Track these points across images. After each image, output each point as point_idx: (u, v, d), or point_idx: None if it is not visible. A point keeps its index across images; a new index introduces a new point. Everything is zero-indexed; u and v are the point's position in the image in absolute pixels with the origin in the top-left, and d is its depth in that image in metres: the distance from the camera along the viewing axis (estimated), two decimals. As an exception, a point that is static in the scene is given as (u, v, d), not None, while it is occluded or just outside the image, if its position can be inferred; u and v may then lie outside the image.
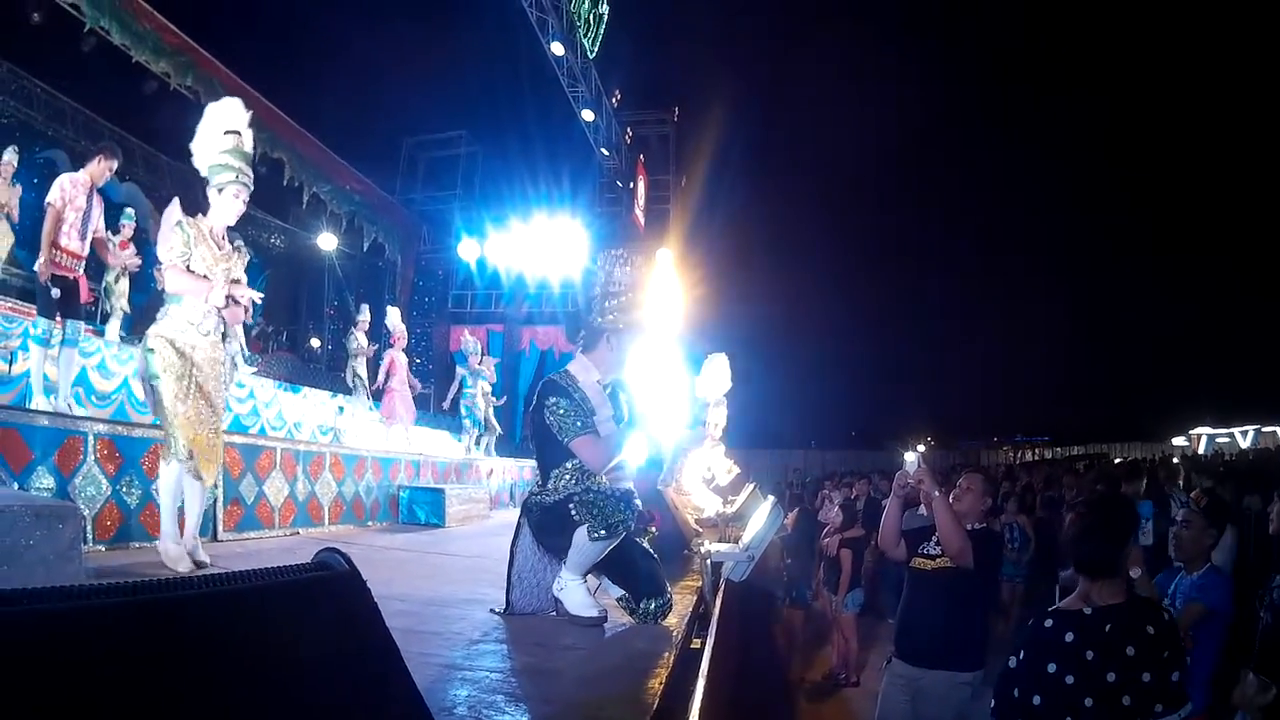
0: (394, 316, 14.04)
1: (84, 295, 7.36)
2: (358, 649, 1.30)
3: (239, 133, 5.01)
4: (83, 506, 5.26)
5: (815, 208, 68.62)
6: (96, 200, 7.19)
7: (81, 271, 7.21)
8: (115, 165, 7.20)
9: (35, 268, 7.01)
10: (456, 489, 10.44)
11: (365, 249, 22.26)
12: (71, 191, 6.92)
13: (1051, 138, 63.05)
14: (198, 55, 14.40)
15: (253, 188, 5.12)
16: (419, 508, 9.80)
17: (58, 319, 7.12)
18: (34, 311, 7.73)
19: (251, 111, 5.11)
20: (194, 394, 4.87)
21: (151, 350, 4.82)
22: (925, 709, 4.70)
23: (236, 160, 4.96)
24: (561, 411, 4.11)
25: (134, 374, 10.37)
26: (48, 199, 6.90)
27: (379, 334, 15.08)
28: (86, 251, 7.22)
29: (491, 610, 4.31)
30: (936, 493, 4.60)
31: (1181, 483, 11.87)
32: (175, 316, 4.89)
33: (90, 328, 8.86)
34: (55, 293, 6.93)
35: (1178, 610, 4.07)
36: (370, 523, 9.26)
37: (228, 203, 5.03)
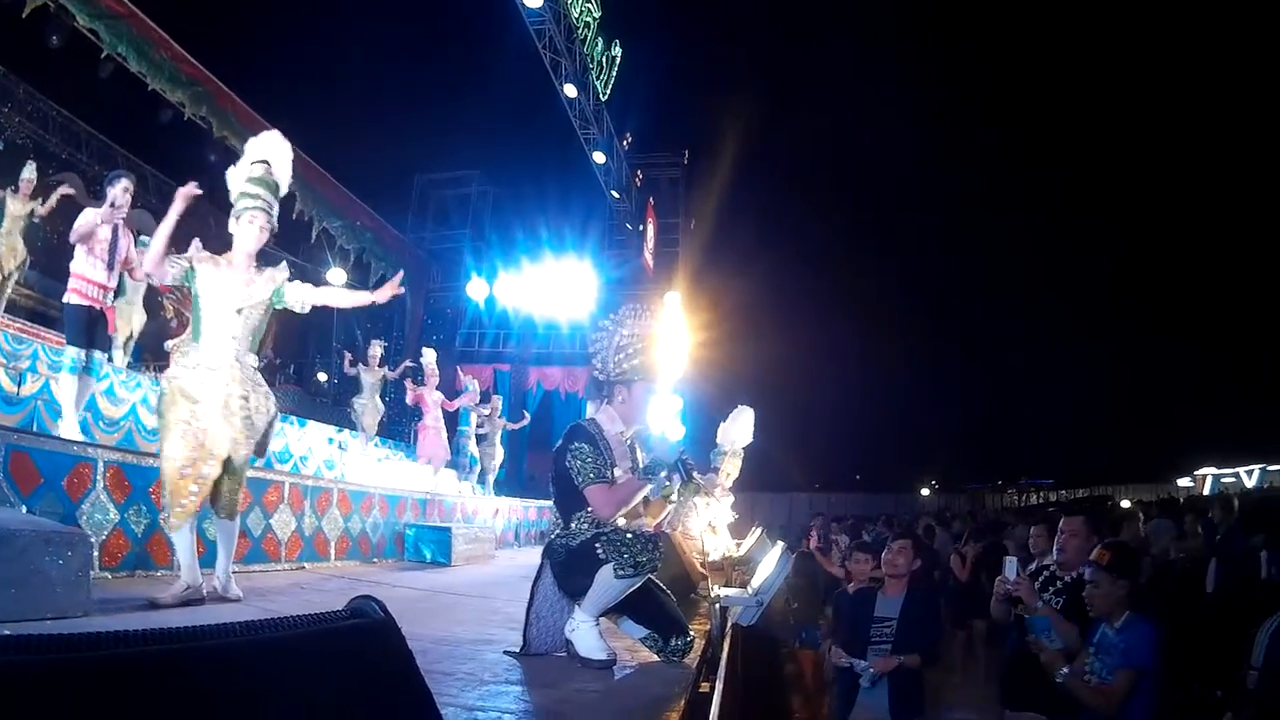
0: (429, 357, 14.17)
1: (111, 326, 7.38)
2: (393, 701, 1.29)
3: (268, 162, 5.06)
4: (90, 533, 5.25)
5: (822, 252, 68.65)
6: (124, 230, 7.21)
7: (110, 302, 7.25)
8: (130, 185, 7.22)
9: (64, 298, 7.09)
10: (463, 528, 10.43)
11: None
12: (94, 224, 6.97)
13: (1055, 181, 63.28)
14: (214, 87, 14.56)
15: (274, 216, 5.16)
16: (425, 546, 9.77)
17: (85, 350, 7.15)
18: (41, 333, 7.73)
19: (289, 145, 5.17)
20: (190, 438, 4.87)
21: (163, 391, 4.88)
22: None
23: (257, 187, 5.01)
24: (582, 456, 4.13)
25: (142, 401, 10.41)
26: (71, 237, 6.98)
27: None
28: (114, 283, 7.25)
29: (505, 651, 4.31)
30: (1039, 604, 4.71)
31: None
32: (190, 355, 4.92)
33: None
34: None
35: (1105, 668, 4.05)
36: (376, 560, 9.25)
37: (244, 229, 5.08)
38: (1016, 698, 4.90)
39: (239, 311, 5.04)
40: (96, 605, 4.34)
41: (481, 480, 15.69)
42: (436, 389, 14.02)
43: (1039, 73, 60.17)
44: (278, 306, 5.29)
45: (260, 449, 5.20)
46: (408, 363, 15.13)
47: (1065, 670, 4.10)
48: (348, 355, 14.77)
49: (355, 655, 1.26)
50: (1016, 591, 4.75)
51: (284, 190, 5.26)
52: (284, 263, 5.49)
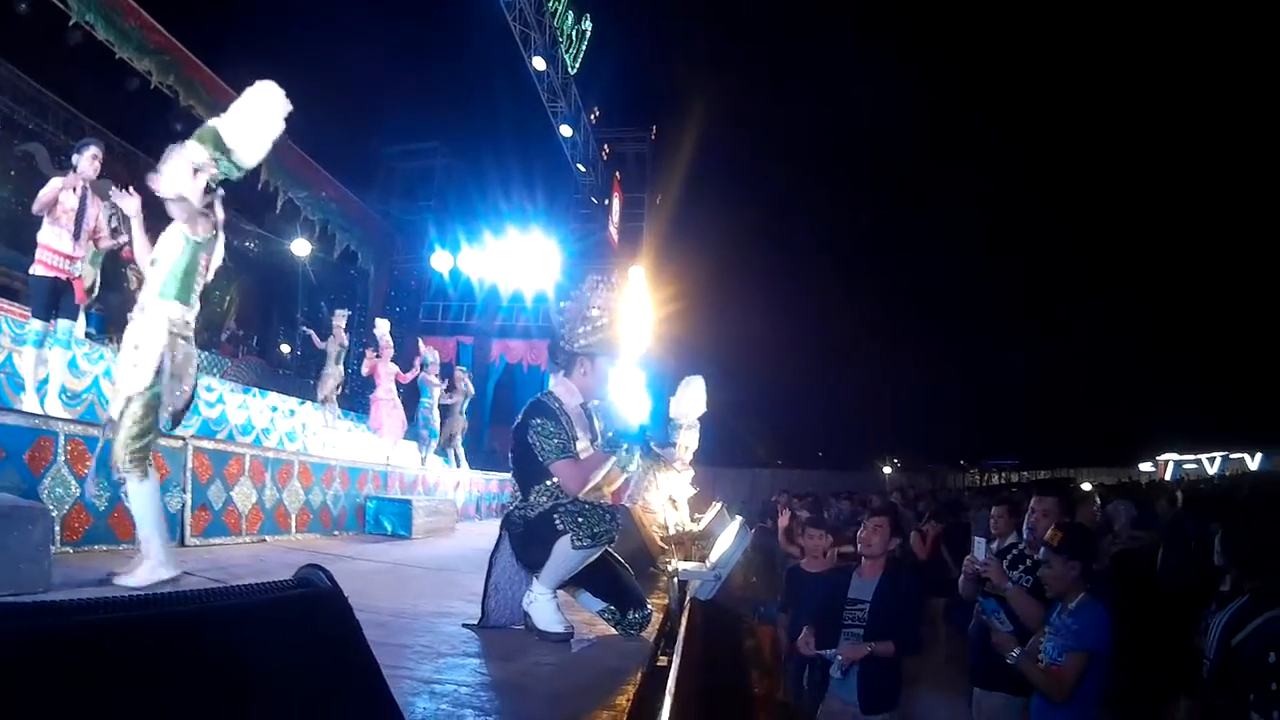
0: (382, 327, 14.05)
1: (79, 296, 7.31)
2: (340, 669, 1.30)
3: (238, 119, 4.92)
4: (51, 507, 5.22)
5: (787, 229, 68.91)
6: (93, 199, 7.14)
7: (78, 272, 7.18)
8: (98, 152, 7.14)
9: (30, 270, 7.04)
10: (424, 500, 10.42)
11: (336, 256, 22.15)
12: (60, 193, 6.90)
13: (1024, 159, 63.64)
14: (181, 55, 14.39)
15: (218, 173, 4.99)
16: (386, 518, 9.77)
17: (51, 322, 7.10)
18: (4, 305, 7.64)
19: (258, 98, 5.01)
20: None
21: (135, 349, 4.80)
22: None
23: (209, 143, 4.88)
24: (544, 433, 4.14)
25: (105, 374, 10.31)
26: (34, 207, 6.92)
27: (357, 344, 15.06)
28: (81, 252, 7.18)
29: (464, 624, 4.34)
30: (1008, 585, 4.68)
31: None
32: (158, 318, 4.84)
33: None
34: None
35: (1055, 649, 4.07)
36: (337, 532, 9.22)
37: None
38: (986, 677, 4.87)
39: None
40: (58, 580, 4.33)
41: (443, 452, 15.66)
42: (392, 360, 13.96)
43: (1004, 44, 60.44)
44: None
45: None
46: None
47: (1016, 652, 4.12)
48: (313, 334, 14.65)
49: (302, 623, 1.29)
50: (986, 572, 4.75)
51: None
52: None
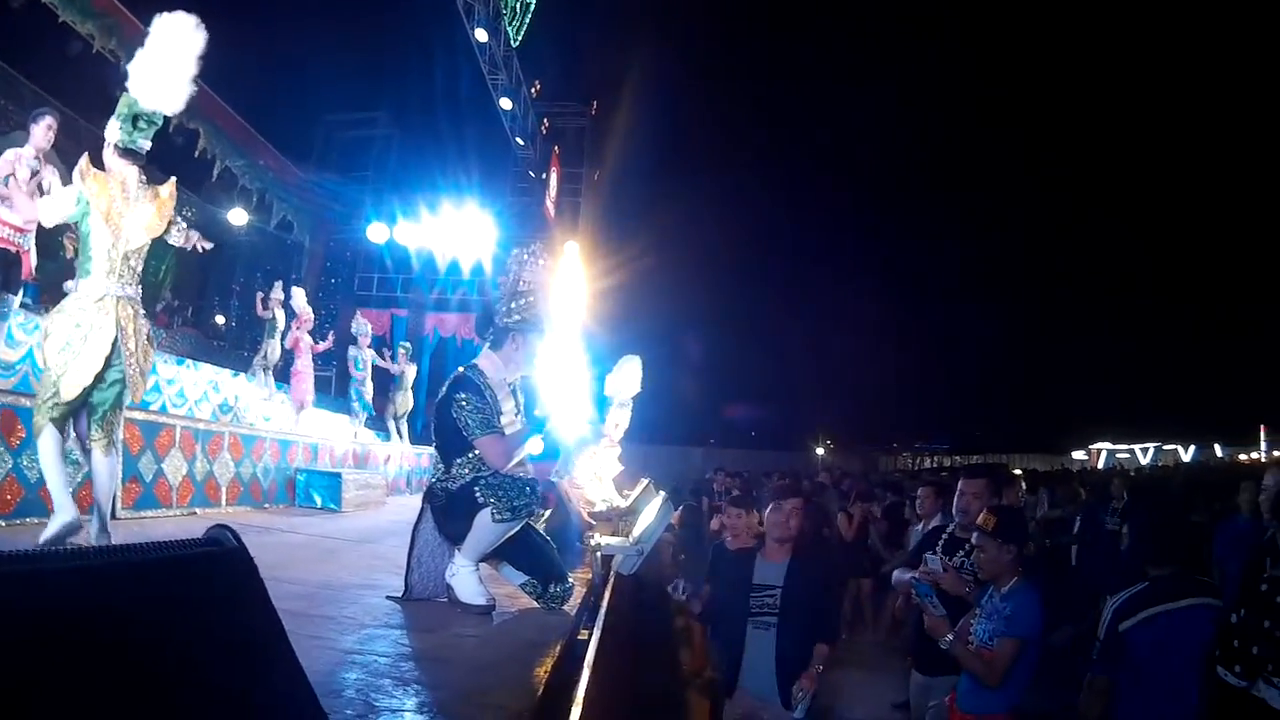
0: (299, 298, 13.83)
1: (25, 270, 7.17)
2: (243, 622, 1.35)
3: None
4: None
5: (724, 208, 69.03)
6: (48, 170, 7.00)
7: (27, 246, 7.04)
8: (53, 122, 7.00)
9: None
10: (354, 474, 10.39)
11: (273, 226, 21.82)
12: (14, 164, 6.77)
13: (967, 154, 64.27)
14: (123, 17, 14.04)
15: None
16: (316, 491, 9.74)
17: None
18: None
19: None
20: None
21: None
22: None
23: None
24: (469, 408, 4.17)
25: (38, 345, 10.13)
26: None
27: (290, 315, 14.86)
28: (32, 227, 7.05)
29: (388, 597, 4.37)
30: (966, 590, 4.54)
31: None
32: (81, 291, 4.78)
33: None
34: None
35: (986, 633, 4.06)
36: (267, 505, 9.19)
37: None
38: (929, 663, 4.80)
39: None
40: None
41: (380, 425, 15.60)
42: (309, 332, 13.81)
43: (945, 15, 60.89)
44: None
45: None
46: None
47: (950, 637, 4.11)
48: (260, 296, 14.42)
49: (208, 579, 1.33)
50: (943, 582, 4.56)
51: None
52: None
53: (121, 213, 4.72)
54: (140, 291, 4.92)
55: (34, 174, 6.91)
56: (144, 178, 4.88)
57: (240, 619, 1.34)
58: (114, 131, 4.74)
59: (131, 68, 4.66)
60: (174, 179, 5.10)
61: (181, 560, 1.31)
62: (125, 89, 4.70)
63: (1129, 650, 3.63)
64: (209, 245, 5.42)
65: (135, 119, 4.74)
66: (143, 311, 4.92)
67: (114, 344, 4.68)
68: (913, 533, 5.04)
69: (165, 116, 4.87)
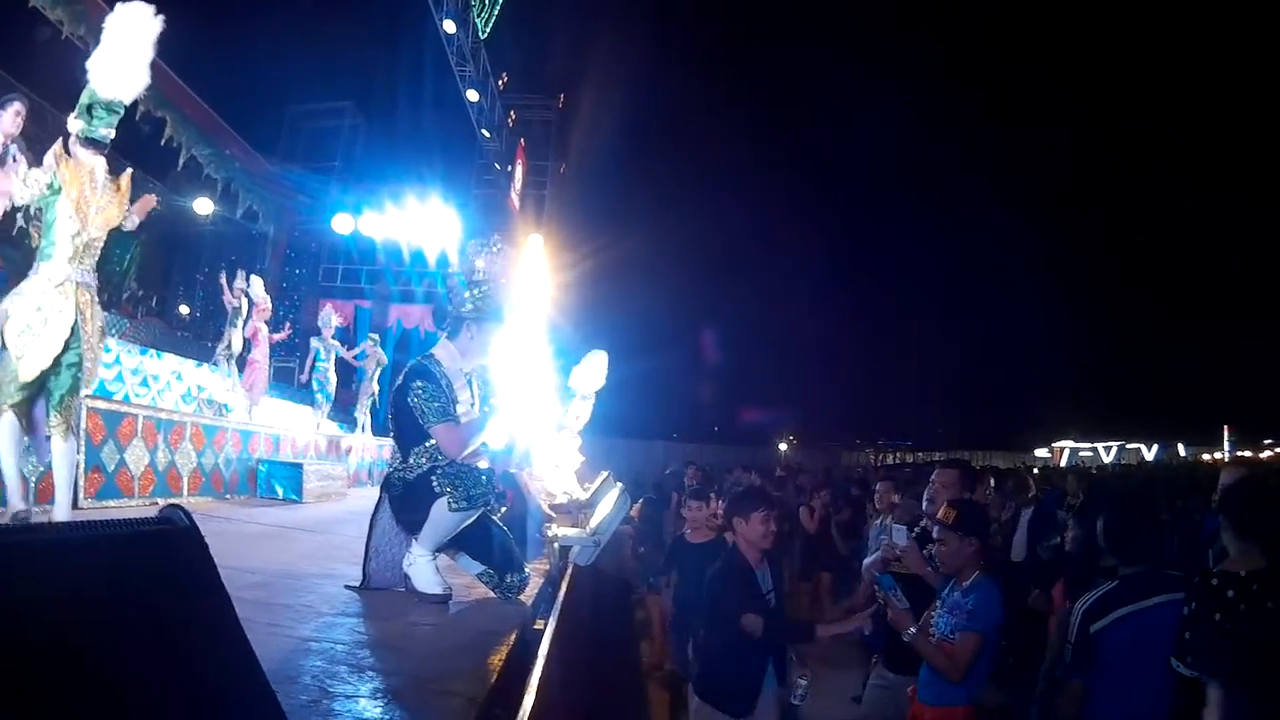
0: (258, 286, 13.72)
1: None
2: (193, 599, 1.38)
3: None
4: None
5: (691, 203, 69.12)
6: (19, 156, 6.93)
7: None
8: (22, 108, 6.94)
9: None
10: (315, 465, 10.39)
11: (239, 216, 21.63)
12: None
13: (930, 150, 64.67)
14: (91, 4, 13.89)
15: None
16: (277, 482, 9.71)
17: None
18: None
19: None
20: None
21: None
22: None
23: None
24: (425, 396, 4.20)
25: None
26: None
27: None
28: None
29: (346, 586, 4.39)
30: (927, 570, 4.60)
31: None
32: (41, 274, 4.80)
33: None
34: None
35: (946, 626, 4.08)
36: (229, 496, 9.16)
37: None
38: (900, 661, 4.75)
39: None
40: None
41: (345, 417, 15.57)
42: (265, 322, 13.69)
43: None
44: None
45: None
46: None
47: (912, 630, 4.09)
48: (226, 290, 14.29)
49: (159, 557, 1.37)
50: (905, 557, 4.70)
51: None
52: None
53: (90, 202, 4.82)
54: (97, 280, 4.94)
55: (1, 161, 6.83)
56: (109, 168, 4.93)
57: (190, 595, 1.38)
58: (74, 123, 4.81)
59: (90, 61, 4.72)
60: (130, 170, 5.13)
61: (133, 537, 1.35)
62: (88, 81, 4.73)
63: (1101, 652, 3.63)
64: (139, 219, 5.39)
65: (91, 108, 4.77)
66: (98, 300, 4.95)
67: (73, 328, 4.73)
68: (872, 526, 5.07)
69: (126, 105, 4.88)
